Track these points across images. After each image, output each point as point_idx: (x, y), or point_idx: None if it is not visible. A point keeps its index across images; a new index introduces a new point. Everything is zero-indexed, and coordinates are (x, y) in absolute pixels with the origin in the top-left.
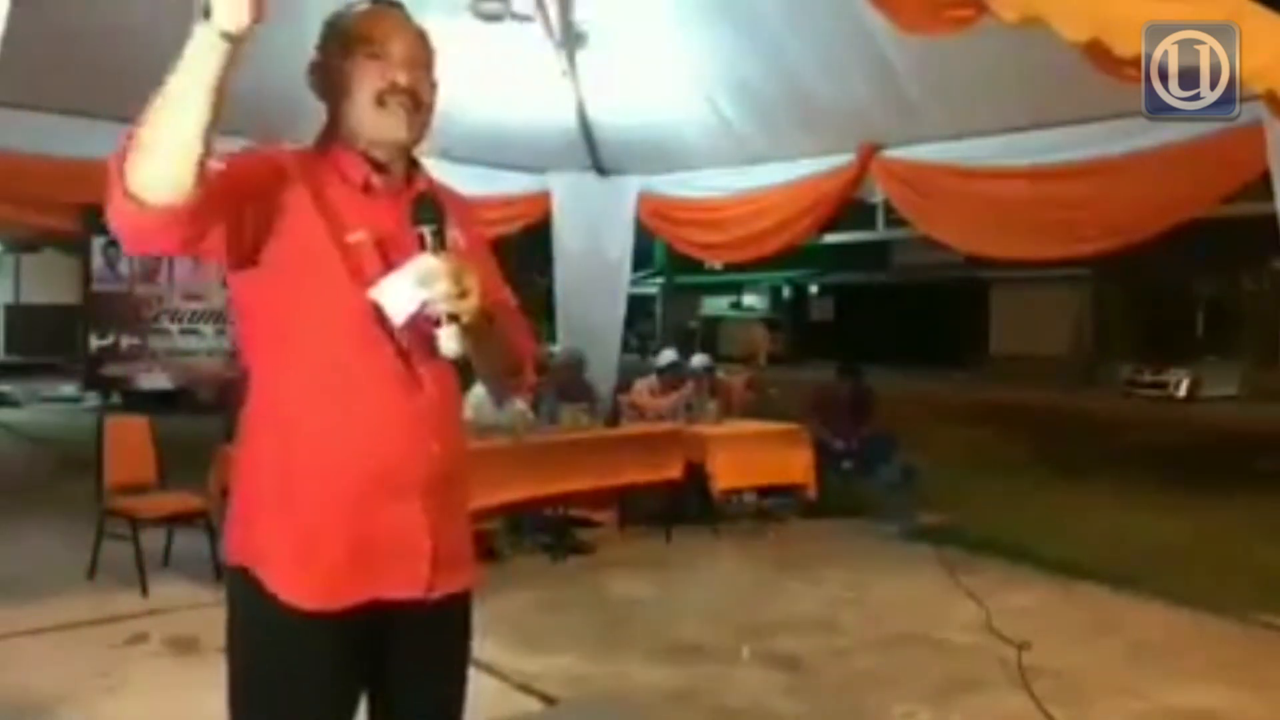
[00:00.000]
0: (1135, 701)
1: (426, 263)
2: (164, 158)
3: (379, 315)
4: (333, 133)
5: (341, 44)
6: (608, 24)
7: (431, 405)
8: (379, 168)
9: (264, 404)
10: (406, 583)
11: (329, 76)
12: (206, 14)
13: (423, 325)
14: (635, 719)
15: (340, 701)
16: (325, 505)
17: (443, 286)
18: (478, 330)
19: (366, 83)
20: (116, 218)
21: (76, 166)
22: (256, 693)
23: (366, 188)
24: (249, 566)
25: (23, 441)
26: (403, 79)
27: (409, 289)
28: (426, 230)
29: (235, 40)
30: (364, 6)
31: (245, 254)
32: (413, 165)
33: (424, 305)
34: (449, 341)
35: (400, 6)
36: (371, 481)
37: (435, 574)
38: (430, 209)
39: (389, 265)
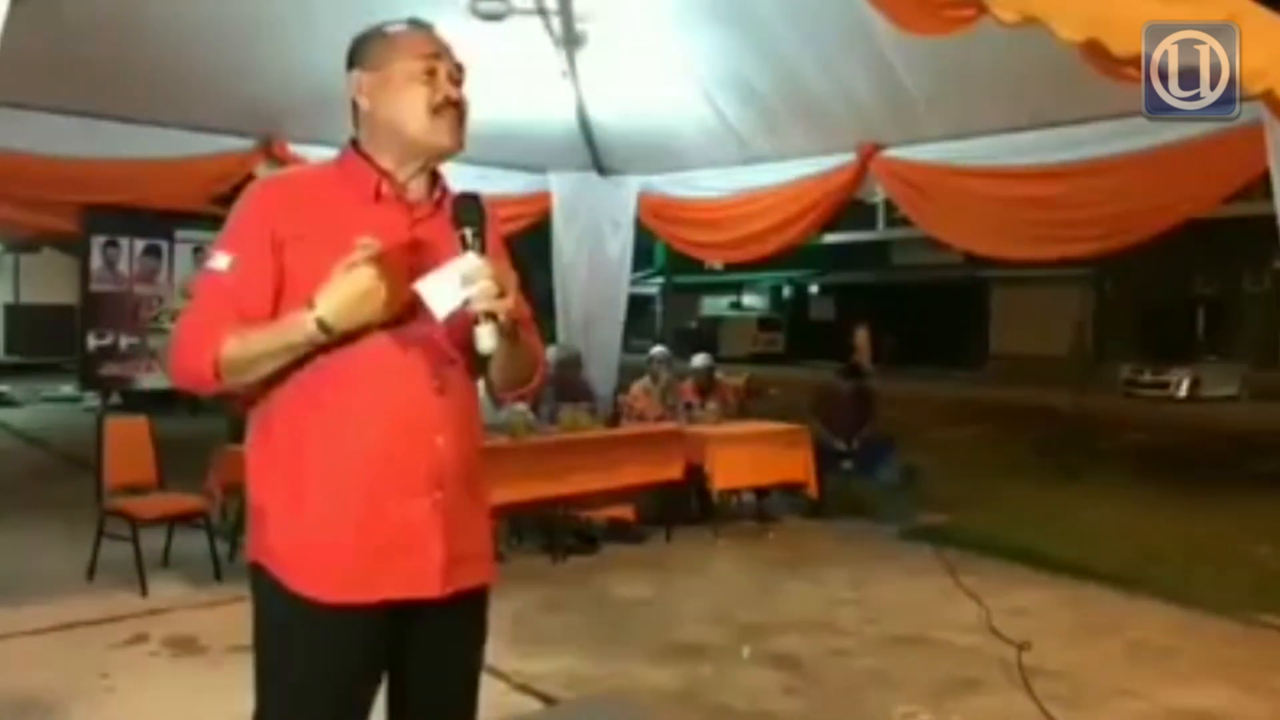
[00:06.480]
0: (1135, 701)
1: (471, 262)
2: (242, 378)
3: (413, 310)
4: (356, 145)
5: (393, 56)
6: (608, 24)
7: (441, 401)
8: (388, 178)
9: (275, 401)
10: (418, 581)
11: (383, 85)
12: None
13: (460, 322)
14: (635, 719)
15: (357, 693)
16: (333, 500)
17: (485, 285)
18: (509, 331)
19: (424, 93)
20: (190, 381)
21: (76, 166)
22: (278, 684)
23: (377, 196)
24: (265, 562)
25: (23, 441)
26: (454, 94)
27: (453, 286)
28: (469, 231)
29: (331, 333)
30: (404, 26)
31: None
32: (434, 179)
33: (465, 303)
34: (486, 339)
35: (433, 27)
36: (378, 476)
37: (448, 572)
38: (473, 211)
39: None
